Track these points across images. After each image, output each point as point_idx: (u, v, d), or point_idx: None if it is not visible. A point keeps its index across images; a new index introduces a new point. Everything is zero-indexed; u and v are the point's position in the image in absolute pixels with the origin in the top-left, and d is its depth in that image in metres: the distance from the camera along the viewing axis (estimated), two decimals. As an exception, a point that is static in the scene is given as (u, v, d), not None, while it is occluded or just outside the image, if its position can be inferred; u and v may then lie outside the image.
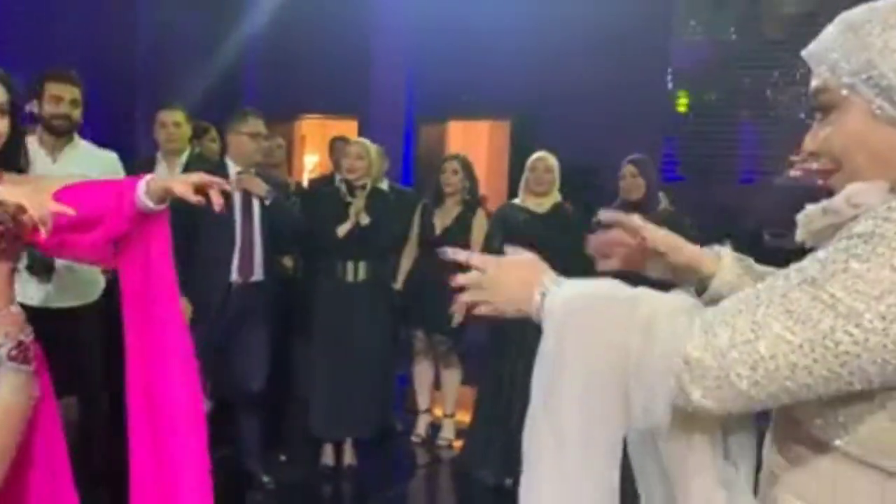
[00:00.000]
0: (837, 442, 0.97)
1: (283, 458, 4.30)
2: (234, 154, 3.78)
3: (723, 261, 1.26)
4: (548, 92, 6.74)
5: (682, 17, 7.09)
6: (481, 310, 1.18)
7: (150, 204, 2.04)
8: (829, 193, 1.04)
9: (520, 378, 4.08)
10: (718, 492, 1.07)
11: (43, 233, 1.81)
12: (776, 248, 5.96)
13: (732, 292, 1.07)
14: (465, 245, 4.51)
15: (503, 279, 1.16)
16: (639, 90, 6.60)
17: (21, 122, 2.21)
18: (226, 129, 3.86)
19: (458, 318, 4.52)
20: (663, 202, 4.22)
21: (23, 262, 3.07)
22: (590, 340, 1.03)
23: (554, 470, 1.05)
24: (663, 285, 1.20)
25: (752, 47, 6.85)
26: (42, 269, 3.23)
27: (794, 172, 6.54)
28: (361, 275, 4.13)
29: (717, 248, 1.28)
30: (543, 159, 4.23)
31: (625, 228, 1.33)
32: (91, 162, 3.32)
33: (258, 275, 3.75)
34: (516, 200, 4.34)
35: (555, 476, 1.04)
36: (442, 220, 4.57)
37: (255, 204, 3.74)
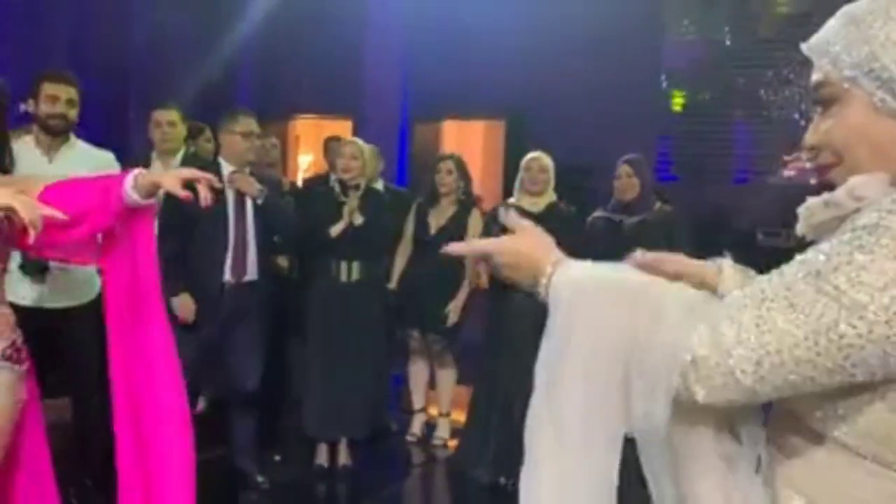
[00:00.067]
0: (835, 433, 0.98)
1: (277, 457, 4.29)
2: (227, 154, 3.78)
3: (724, 273, 1.25)
4: (542, 92, 6.75)
5: (676, 17, 7.10)
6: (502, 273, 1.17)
7: (138, 198, 2.03)
8: (828, 188, 1.04)
9: (515, 377, 4.09)
10: (726, 477, 1.06)
11: (32, 236, 1.80)
12: (770, 248, 5.98)
13: None
14: (460, 244, 4.51)
15: (520, 250, 1.15)
16: (633, 90, 6.61)
17: (10, 123, 2.20)
18: (218, 129, 3.86)
19: (453, 318, 4.53)
20: (657, 202, 4.23)
21: (16, 262, 3.07)
22: (596, 327, 1.03)
23: (553, 461, 1.05)
24: None
25: (745, 47, 6.86)
26: (35, 269, 3.22)
27: (787, 172, 6.57)
28: (355, 275, 4.14)
29: (717, 260, 1.28)
30: (538, 159, 4.24)
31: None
32: (87, 162, 3.31)
33: (252, 274, 3.75)
34: (511, 200, 4.34)
35: (554, 467, 1.05)
36: (437, 219, 4.57)
37: (249, 204, 3.73)
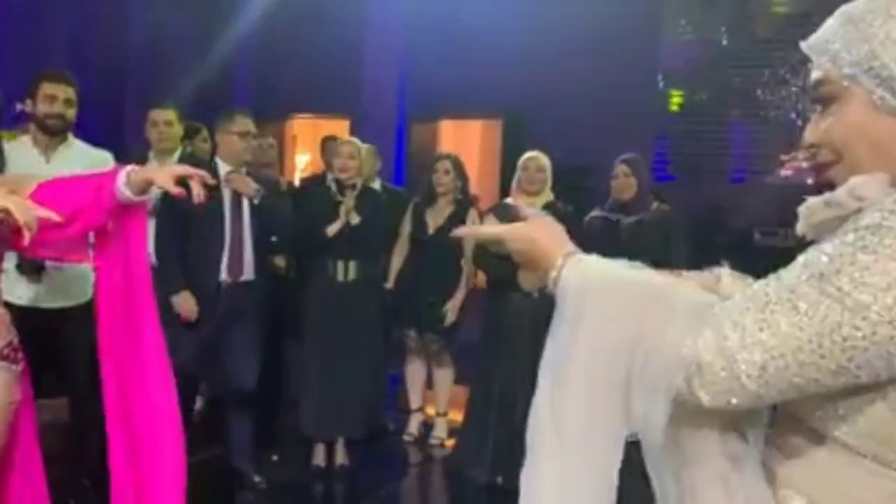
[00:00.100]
0: (836, 433, 0.98)
1: (274, 457, 4.29)
2: (223, 154, 3.78)
3: (722, 281, 1.25)
4: (540, 91, 6.75)
5: (673, 17, 7.11)
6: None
7: (131, 195, 2.02)
8: (829, 187, 1.04)
9: (512, 377, 4.09)
10: (731, 473, 1.05)
11: (27, 237, 1.80)
12: (767, 247, 5.99)
13: None
14: (458, 245, 4.51)
15: (534, 237, 1.15)
16: (630, 90, 6.62)
17: (4, 123, 2.20)
18: (215, 128, 3.86)
19: (450, 318, 4.53)
20: (655, 202, 4.23)
21: (11, 262, 3.06)
22: (603, 324, 1.02)
23: (554, 460, 1.05)
24: None
25: (742, 47, 6.87)
26: (32, 269, 3.21)
27: (784, 171, 6.58)
28: (352, 274, 4.13)
29: (715, 269, 1.28)
30: (535, 158, 4.24)
31: None
32: (85, 161, 3.31)
33: (248, 274, 3.75)
34: (508, 200, 4.34)
35: (555, 465, 1.04)
36: (434, 219, 4.57)
37: (245, 204, 3.73)
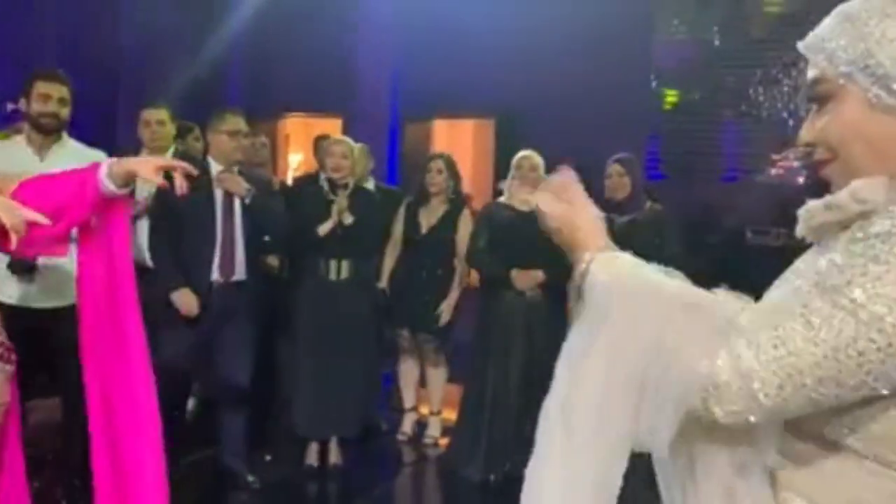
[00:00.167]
0: (846, 440, 0.97)
1: (268, 457, 4.28)
2: (215, 153, 3.77)
3: None
4: (532, 91, 6.75)
5: (666, 17, 7.12)
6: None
7: (114, 188, 2.01)
8: (823, 185, 1.04)
9: (505, 375, 4.10)
10: (738, 481, 1.04)
11: (14, 241, 1.79)
12: (759, 246, 6.01)
13: None
14: (452, 244, 4.52)
15: (576, 224, 1.12)
16: (623, 89, 6.63)
17: (0, 122, 2.19)
18: (207, 128, 3.86)
19: (445, 318, 4.53)
20: (648, 201, 4.24)
21: (2, 262, 3.05)
22: (624, 329, 1.00)
23: (560, 460, 1.03)
24: None
25: (735, 47, 6.88)
26: (23, 268, 3.20)
27: (775, 170, 6.60)
28: (344, 273, 4.13)
29: (715, 291, 1.26)
30: (528, 158, 4.25)
31: None
32: (79, 160, 3.27)
33: (240, 274, 3.74)
34: (502, 199, 4.35)
35: (560, 465, 1.03)
36: (428, 219, 4.57)
37: (237, 203, 3.73)
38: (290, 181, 6.41)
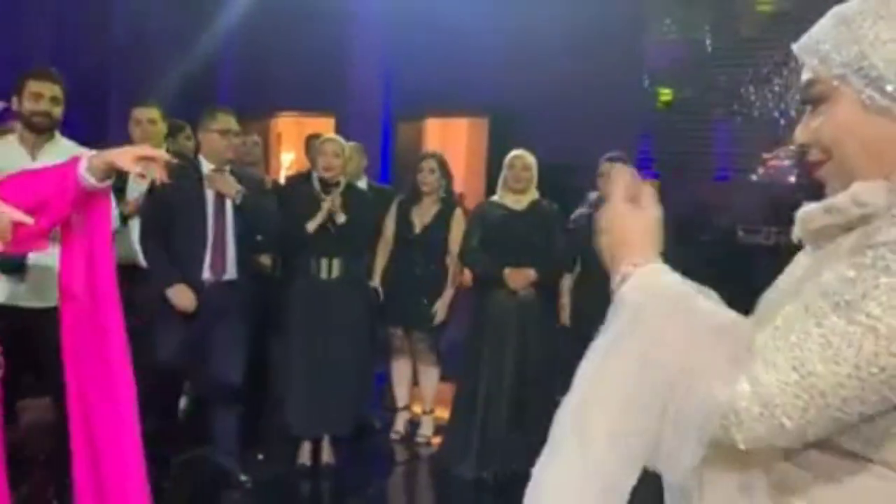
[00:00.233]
0: (863, 451, 0.96)
1: (260, 456, 4.28)
2: (206, 152, 3.76)
3: None
4: (526, 90, 6.76)
5: (658, 16, 7.13)
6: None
7: (94, 181, 2.01)
8: (812, 185, 1.04)
9: (498, 374, 4.10)
10: (741, 501, 1.03)
11: (0, 244, 1.78)
12: (750, 245, 6.03)
13: None
14: (445, 243, 4.52)
15: (627, 226, 1.08)
16: (615, 88, 6.64)
17: None
18: (197, 127, 3.85)
19: (440, 317, 4.54)
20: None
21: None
22: (650, 344, 0.97)
23: (569, 459, 1.00)
24: None
25: (727, 46, 6.90)
26: (12, 266, 3.18)
27: (764, 169, 6.63)
28: (336, 272, 4.12)
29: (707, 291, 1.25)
30: (521, 157, 4.25)
31: None
32: (72, 159, 3.29)
33: (231, 273, 3.74)
34: (494, 198, 4.35)
35: (567, 464, 1.01)
36: (421, 218, 4.57)
37: (228, 202, 3.72)
38: (282, 180, 6.40)
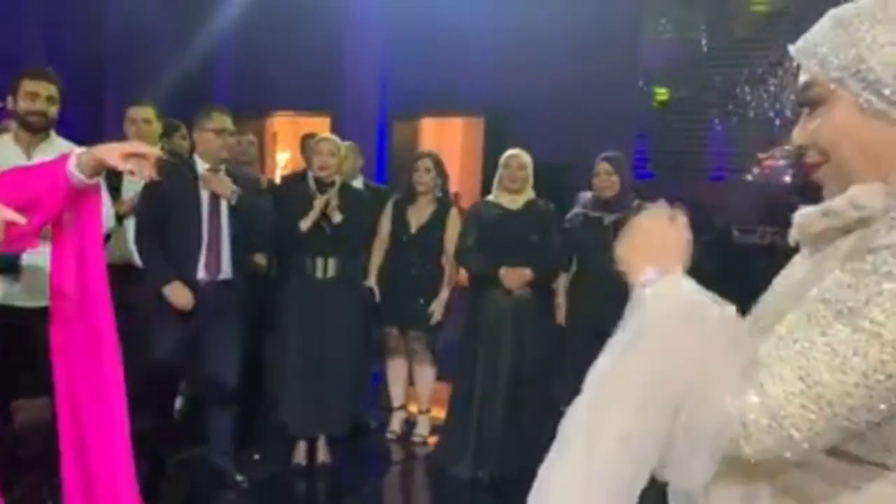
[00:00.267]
0: (876, 457, 0.96)
1: (256, 456, 4.27)
2: (201, 151, 3.75)
3: None
4: (521, 89, 6.77)
5: (654, 16, 7.15)
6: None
7: (84, 178, 2.00)
8: (807, 185, 1.04)
9: (494, 374, 4.10)
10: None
11: None
12: (745, 244, 6.05)
13: None
14: (440, 243, 4.52)
15: (652, 234, 1.08)
16: (610, 88, 6.66)
17: None
18: (193, 126, 3.84)
19: (437, 317, 4.53)
20: (636, 199, 4.25)
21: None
22: (665, 350, 0.96)
23: (577, 460, 1.00)
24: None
25: (722, 46, 6.93)
26: (7, 265, 3.17)
27: (758, 169, 6.64)
28: (331, 271, 4.12)
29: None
30: (517, 156, 4.25)
31: None
32: (67, 159, 3.28)
33: (227, 273, 3.73)
34: (490, 197, 4.35)
35: (572, 465, 1.00)
36: (417, 217, 4.57)
37: (223, 202, 3.71)
38: (278, 180, 6.40)
